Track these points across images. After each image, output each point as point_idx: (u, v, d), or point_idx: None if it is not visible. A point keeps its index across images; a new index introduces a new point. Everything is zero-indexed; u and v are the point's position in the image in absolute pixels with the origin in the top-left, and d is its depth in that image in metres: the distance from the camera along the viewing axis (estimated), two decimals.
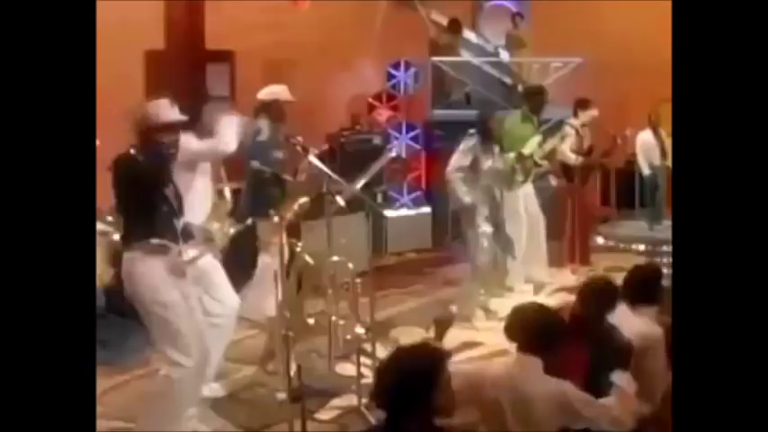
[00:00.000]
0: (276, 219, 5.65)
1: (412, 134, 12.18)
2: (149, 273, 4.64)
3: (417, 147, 12.26)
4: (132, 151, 4.68)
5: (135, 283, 4.67)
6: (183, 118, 4.82)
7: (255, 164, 5.97)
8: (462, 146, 7.51)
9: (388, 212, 10.13)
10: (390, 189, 10.97)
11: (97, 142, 3.37)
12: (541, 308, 4.02)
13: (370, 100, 12.00)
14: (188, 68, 9.77)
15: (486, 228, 7.50)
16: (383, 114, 11.86)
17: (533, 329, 3.79)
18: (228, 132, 5.49)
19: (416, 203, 10.96)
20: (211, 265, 5.43)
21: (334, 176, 5.74)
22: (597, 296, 4.52)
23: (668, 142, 10.55)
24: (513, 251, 7.82)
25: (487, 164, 7.50)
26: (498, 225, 7.59)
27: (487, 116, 7.78)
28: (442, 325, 5.89)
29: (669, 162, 10.40)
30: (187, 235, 4.86)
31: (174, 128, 4.78)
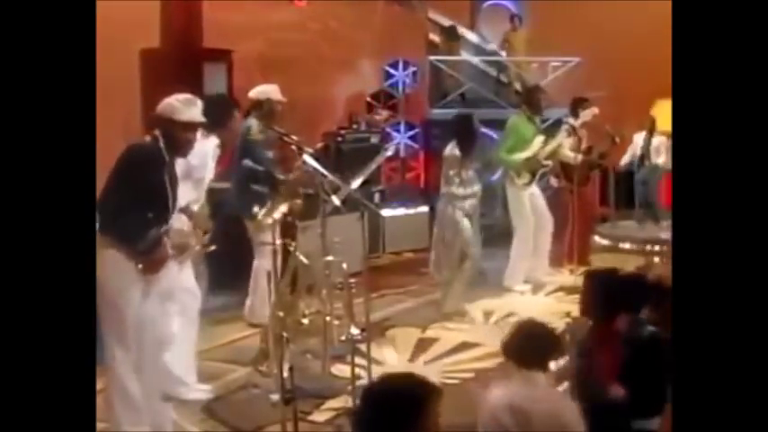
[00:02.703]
0: (261, 217, 5.61)
1: (411, 133, 12.14)
2: (120, 266, 4.55)
3: (416, 146, 12.22)
4: (154, 140, 4.66)
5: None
6: (201, 119, 4.80)
7: (248, 162, 5.90)
8: (445, 154, 7.46)
9: (386, 212, 10.04)
10: (388, 188, 10.93)
11: None
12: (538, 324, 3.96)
13: (369, 99, 11.94)
14: (184, 67, 9.66)
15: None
16: (382, 114, 11.81)
17: (533, 346, 3.73)
18: None
19: (415, 203, 10.90)
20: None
21: (329, 176, 5.66)
22: (607, 298, 4.39)
23: (655, 143, 10.54)
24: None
25: (469, 174, 7.43)
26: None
27: (465, 116, 7.64)
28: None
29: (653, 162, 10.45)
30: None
31: (194, 127, 4.77)
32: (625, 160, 10.92)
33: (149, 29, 9.94)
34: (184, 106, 4.70)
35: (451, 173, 7.37)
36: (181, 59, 9.81)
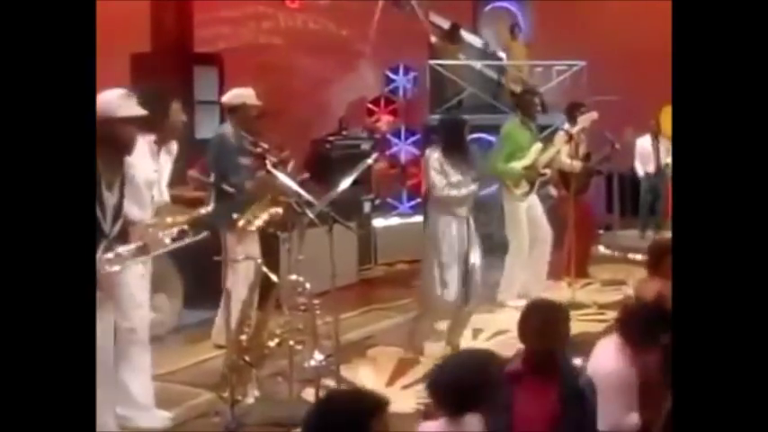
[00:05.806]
0: (241, 225, 5.29)
1: (412, 139, 11.81)
2: None
3: (417, 152, 11.88)
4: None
5: None
6: (142, 112, 4.40)
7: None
8: (431, 161, 6.42)
9: (378, 222, 9.68)
10: (390, 196, 10.64)
11: None
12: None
13: (369, 105, 11.67)
14: (175, 72, 9.54)
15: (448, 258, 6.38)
16: (383, 119, 11.53)
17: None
18: None
19: (417, 211, 10.54)
20: (132, 274, 4.89)
21: (295, 186, 5.30)
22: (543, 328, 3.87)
23: (664, 148, 10.21)
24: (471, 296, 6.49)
25: (457, 178, 6.38)
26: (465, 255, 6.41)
27: (456, 122, 6.74)
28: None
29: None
30: (122, 238, 4.43)
31: (131, 123, 4.36)
32: (641, 171, 10.75)
33: (140, 33, 9.78)
34: (123, 101, 4.32)
35: (433, 174, 6.41)
36: (172, 64, 9.72)
